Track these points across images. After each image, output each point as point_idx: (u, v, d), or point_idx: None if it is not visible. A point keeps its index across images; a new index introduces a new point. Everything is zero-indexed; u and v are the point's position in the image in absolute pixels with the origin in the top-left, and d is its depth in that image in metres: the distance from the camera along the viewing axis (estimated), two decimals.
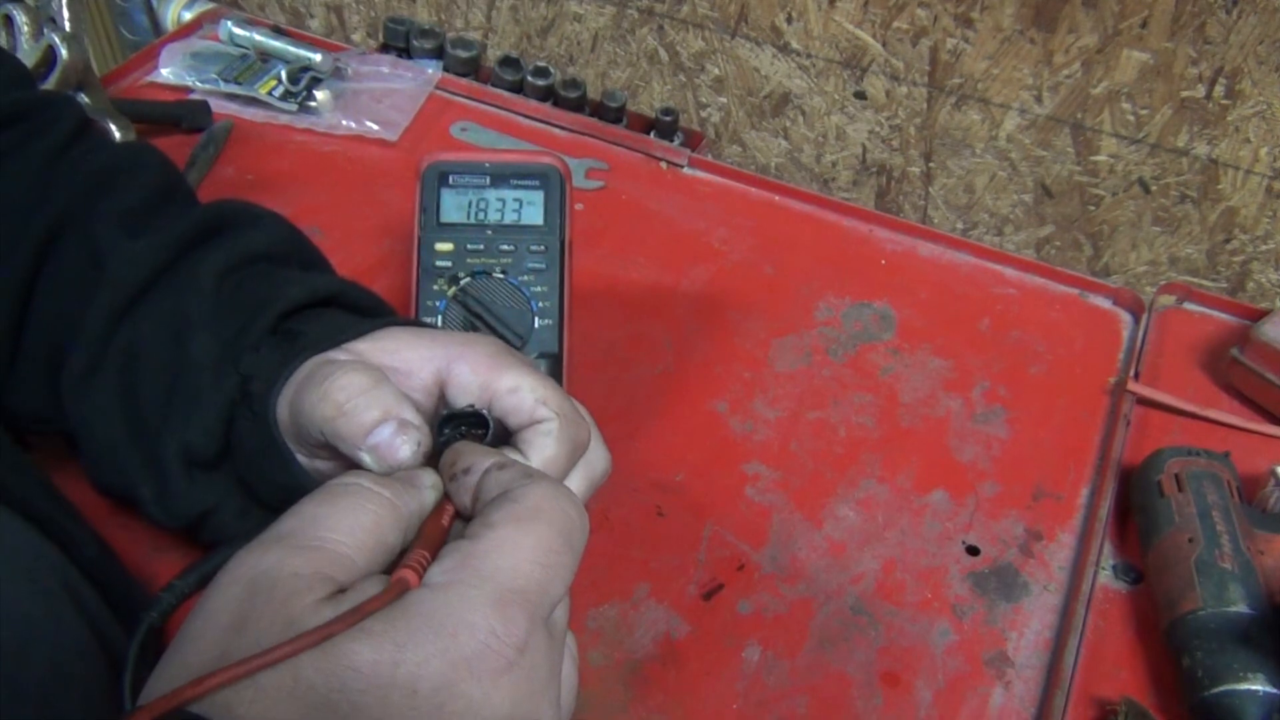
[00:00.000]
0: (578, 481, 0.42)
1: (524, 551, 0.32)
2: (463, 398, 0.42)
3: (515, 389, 0.41)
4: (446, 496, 0.37)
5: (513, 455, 0.40)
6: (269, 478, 0.44)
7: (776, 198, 0.80)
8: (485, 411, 0.41)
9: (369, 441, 0.38)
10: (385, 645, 0.29)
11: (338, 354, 0.43)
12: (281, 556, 0.31)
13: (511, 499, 0.34)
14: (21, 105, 0.53)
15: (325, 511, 0.33)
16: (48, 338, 0.49)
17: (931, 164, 1.12)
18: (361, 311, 0.50)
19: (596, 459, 0.44)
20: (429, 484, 0.37)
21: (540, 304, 0.56)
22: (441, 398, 0.43)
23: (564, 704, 0.34)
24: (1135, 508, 0.58)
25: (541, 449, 0.40)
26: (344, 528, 0.32)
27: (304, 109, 0.83)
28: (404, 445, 0.38)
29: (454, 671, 0.29)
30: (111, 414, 0.47)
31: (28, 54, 0.72)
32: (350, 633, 0.29)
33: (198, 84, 0.83)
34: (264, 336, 0.45)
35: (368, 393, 0.39)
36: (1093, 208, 1.07)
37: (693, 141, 1.07)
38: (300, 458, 0.43)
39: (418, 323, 0.49)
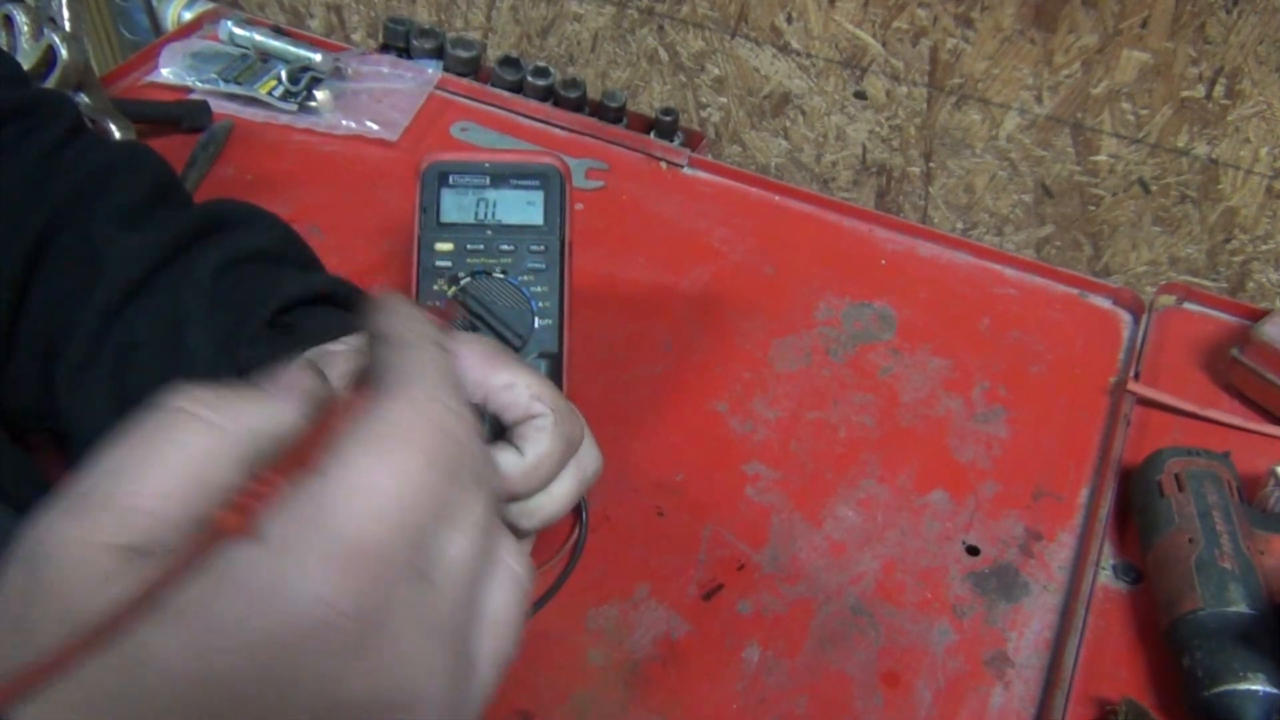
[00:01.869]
0: (569, 480, 0.42)
1: (377, 491, 0.25)
2: None
3: (510, 385, 0.41)
4: (355, 392, 0.29)
5: (506, 453, 0.40)
6: None
7: (776, 198, 0.79)
8: (480, 406, 0.41)
9: None
10: (194, 630, 0.23)
11: (335, 347, 0.43)
12: (64, 525, 0.25)
13: (369, 414, 0.27)
14: (18, 103, 0.53)
15: (123, 457, 0.26)
16: (43, 333, 0.49)
17: (931, 164, 1.12)
18: (356, 310, 0.50)
19: (588, 458, 0.44)
20: (303, 386, 0.29)
21: (540, 304, 0.56)
22: None
23: (491, 651, 0.29)
24: (1135, 508, 0.58)
25: (536, 444, 0.40)
26: (143, 473, 0.26)
27: (304, 109, 0.83)
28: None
29: (282, 654, 0.23)
30: (104, 407, 0.47)
31: (28, 54, 0.72)
32: (149, 619, 0.23)
33: (198, 84, 0.83)
34: (261, 330, 0.46)
35: None
36: (1093, 208, 1.07)
37: (693, 141, 1.07)
38: None
39: None
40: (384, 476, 0.26)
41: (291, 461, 0.26)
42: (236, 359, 0.45)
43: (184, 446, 0.26)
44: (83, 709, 0.23)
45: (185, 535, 0.25)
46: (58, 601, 0.24)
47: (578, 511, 0.57)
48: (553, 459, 0.40)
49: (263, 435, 0.27)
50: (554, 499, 0.42)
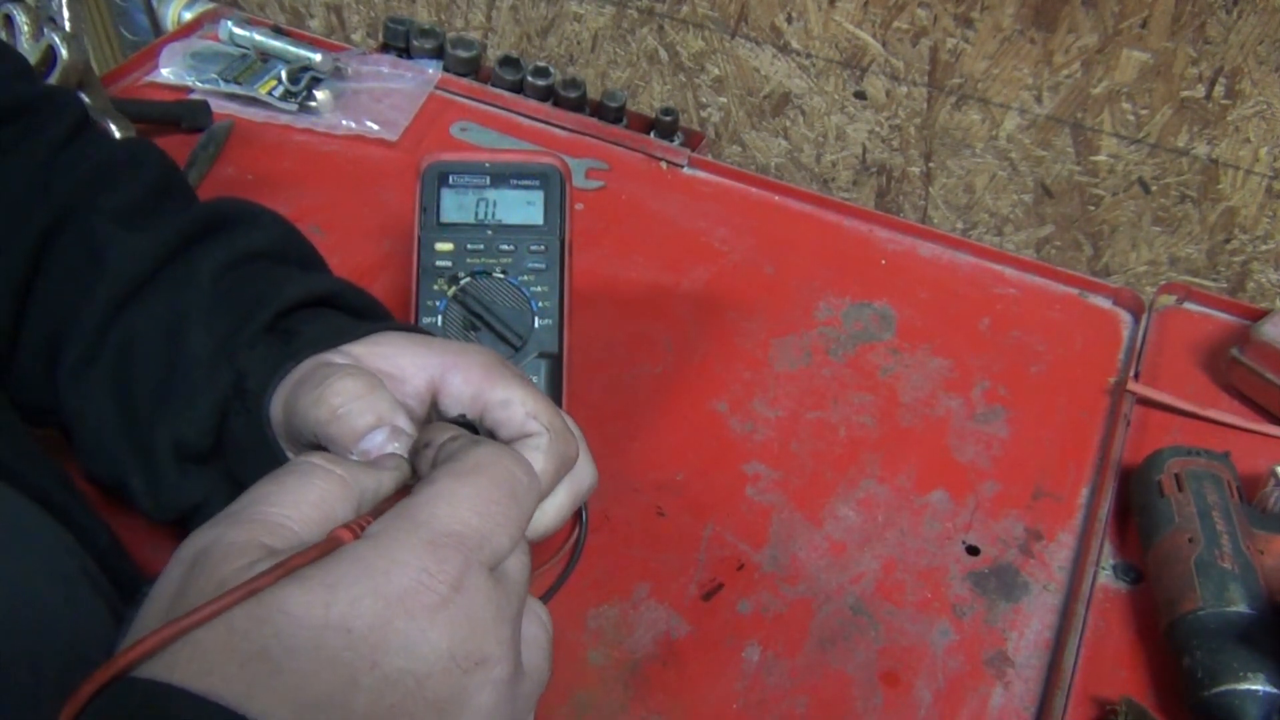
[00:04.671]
0: (563, 496, 0.42)
1: (461, 500, 0.32)
2: (455, 407, 0.42)
3: (507, 402, 0.41)
4: (415, 476, 0.37)
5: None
6: (259, 474, 0.44)
7: (776, 198, 0.79)
8: (476, 422, 0.41)
9: (360, 446, 0.38)
10: (316, 589, 0.29)
11: (334, 356, 0.43)
12: (221, 531, 0.31)
13: (453, 458, 0.35)
14: (24, 99, 0.53)
15: (271, 488, 0.33)
16: (46, 330, 0.49)
17: (931, 164, 1.12)
18: (358, 313, 0.50)
19: (583, 474, 0.44)
20: (393, 465, 0.37)
21: (540, 304, 0.56)
22: (434, 405, 0.43)
23: (531, 664, 0.34)
24: (1135, 508, 0.58)
25: (530, 463, 0.40)
26: (287, 501, 0.32)
27: (304, 109, 0.83)
28: (405, 461, 0.38)
29: (387, 609, 0.29)
30: (105, 405, 0.47)
31: (28, 54, 0.72)
32: (282, 581, 0.29)
33: (198, 84, 0.83)
34: (260, 334, 0.46)
35: (363, 398, 0.39)
36: (1093, 208, 1.07)
37: (693, 141, 1.07)
38: (291, 455, 0.43)
39: (415, 328, 0.49)
40: (463, 489, 0.33)
41: (392, 500, 0.34)
42: (235, 363, 0.45)
43: (319, 488, 0.33)
44: (224, 649, 0.28)
45: (314, 542, 0.31)
46: (213, 578, 0.29)
47: (578, 512, 0.57)
48: (546, 479, 0.40)
49: (369, 490, 0.35)
50: (546, 515, 0.42)
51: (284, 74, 0.83)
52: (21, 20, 0.73)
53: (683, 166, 0.82)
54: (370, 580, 0.29)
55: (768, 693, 0.51)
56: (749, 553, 0.57)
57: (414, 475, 0.38)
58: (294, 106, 0.82)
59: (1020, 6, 0.97)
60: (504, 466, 0.34)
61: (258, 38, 0.87)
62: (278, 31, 0.88)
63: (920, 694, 0.51)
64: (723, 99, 1.18)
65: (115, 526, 0.47)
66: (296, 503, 0.33)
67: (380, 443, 0.38)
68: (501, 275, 0.56)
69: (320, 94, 0.83)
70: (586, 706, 0.50)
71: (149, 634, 0.28)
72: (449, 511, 0.32)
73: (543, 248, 0.57)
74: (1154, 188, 1.03)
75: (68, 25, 0.75)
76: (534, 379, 0.55)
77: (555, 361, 0.56)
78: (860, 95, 1.11)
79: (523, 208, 0.58)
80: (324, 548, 0.30)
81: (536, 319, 0.56)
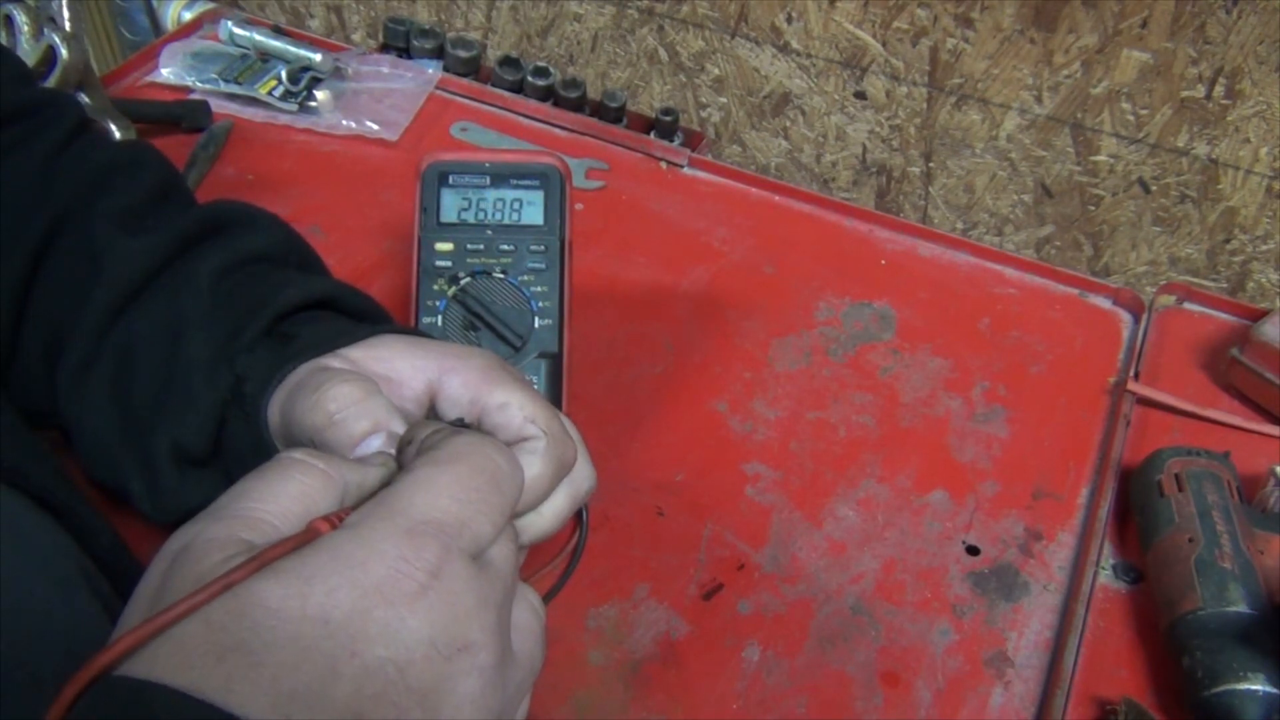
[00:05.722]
0: (561, 499, 0.42)
1: (439, 488, 0.32)
2: (453, 410, 0.42)
3: (504, 405, 0.41)
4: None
5: None
6: None
7: (776, 198, 0.79)
8: (474, 426, 0.41)
9: (357, 452, 0.38)
10: (292, 581, 0.29)
11: (332, 360, 0.43)
12: (200, 528, 0.31)
13: (432, 448, 0.34)
14: (23, 103, 0.53)
15: (252, 484, 0.33)
16: (46, 334, 0.49)
17: (931, 164, 1.12)
18: (357, 315, 0.50)
19: (581, 477, 0.44)
20: (379, 462, 0.37)
21: (540, 304, 0.56)
22: (432, 409, 0.43)
23: (522, 650, 0.34)
24: (1135, 508, 0.58)
25: (527, 467, 0.39)
26: (267, 496, 0.32)
27: (304, 109, 0.83)
28: (392, 458, 0.38)
29: (365, 599, 0.29)
30: (104, 410, 0.47)
31: (28, 54, 0.72)
32: (259, 575, 0.29)
33: (198, 84, 0.83)
34: (259, 338, 0.46)
35: (359, 404, 0.39)
36: (1093, 208, 1.07)
37: (693, 141, 1.07)
38: None
39: (413, 330, 0.49)
40: (442, 477, 0.33)
41: (371, 495, 0.33)
42: (234, 366, 0.45)
43: (299, 483, 0.33)
44: (203, 645, 0.28)
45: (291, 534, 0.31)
46: (191, 574, 0.29)
47: (578, 514, 0.57)
48: (543, 482, 0.40)
49: (353, 485, 0.35)
50: (544, 518, 0.42)
51: (284, 74, 0.83)
52: (21, 20, 0.73)
53: (683, 166, 0.82)
54: (347, 570, 0.29)
55: (768, 693, 0.51)
56: (749, 553, 0.57)
57: (400, 471, 0.37)
58: (294, 106, 0.82)
59: (1020, 6, 0.97)
60: (484, 454, 0.34)
61: (258, 38, 0.87)
62: (278, 31, 0.88)
63: (920, 694, 0.51)
64: (723, 99, 1.18)
65: (119, 525, 0.47)
66: (276, 496, 0.32)
67: (377, 448, 0.38)
68: (501, 275, 0.56)
69: (320, 94, 0.83)
70: (586, 706, 0.50)
71: (127, 632, 0.28)
72: (427, 499, 0.32)
73: (543, 248, 0.57)
74: (1154, 188, 1.03)
75: (68, 25, 0.75)
76: (534, 379, 0.55)
77: (555, 361, 0.56)
78: (860, 95, 1.11)
79: (523, 208, 0.58)
80: (300, 539, 0.30)
81: (536, 319, 0.56)
